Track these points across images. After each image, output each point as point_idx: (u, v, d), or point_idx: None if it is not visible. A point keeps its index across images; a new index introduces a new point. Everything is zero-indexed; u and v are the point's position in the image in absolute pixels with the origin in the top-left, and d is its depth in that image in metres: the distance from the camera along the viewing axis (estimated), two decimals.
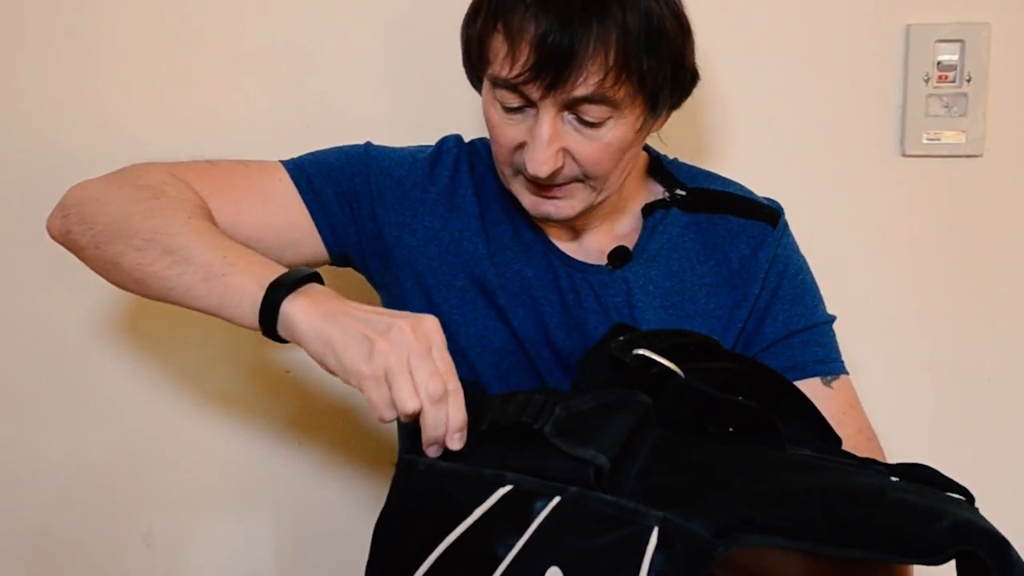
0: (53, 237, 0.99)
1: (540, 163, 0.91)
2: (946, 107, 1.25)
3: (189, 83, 1.27)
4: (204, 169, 1.02)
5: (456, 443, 0.76)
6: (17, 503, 1.32)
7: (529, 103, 0.91)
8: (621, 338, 0.83)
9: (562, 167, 0.93)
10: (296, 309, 0.81)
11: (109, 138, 1.27)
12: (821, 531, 0.64)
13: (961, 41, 1.24)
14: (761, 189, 1.09)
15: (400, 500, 0.75)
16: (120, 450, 1.32)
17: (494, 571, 0.68)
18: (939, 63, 1.24)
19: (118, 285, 0.97)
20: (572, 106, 0.90)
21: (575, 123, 0.92)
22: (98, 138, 1.27)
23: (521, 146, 0.94)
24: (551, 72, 0.87)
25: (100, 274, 0.97)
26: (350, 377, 0.78)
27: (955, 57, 1.24)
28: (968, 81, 1.24)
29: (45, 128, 1.27)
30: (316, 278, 0.86)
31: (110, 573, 1.33)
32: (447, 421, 0.76)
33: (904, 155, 1.27)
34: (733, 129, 1.29)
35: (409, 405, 0.75)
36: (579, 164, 0.93)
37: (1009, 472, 1.32)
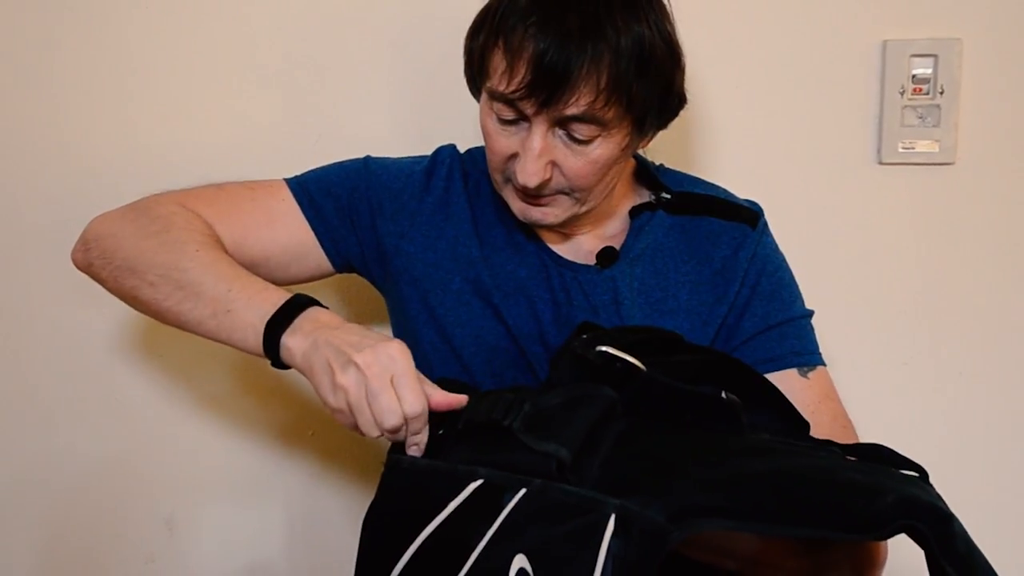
0: (77, 267, 1.03)
1: (530, 175, 0.94)
2: (920, 118, 1.28)
3: (210, 101, 1.30)
4: (212, 195, 1.05)
5: (414, 452, 0.82)
6: (49, 492, 1.35)
7: (523, 117, 0.93)
8: (584, 336, 0.84)
9: (550, 179, 0.95)
10: (292, 342, 0.86)
11: (134, 151, 1.29)
12: (772, 512, 0.66)
13: (935, 56, 1.27)
14: (745, 194, 1.12)
15: (385, 495, 0.78)
16: (145, 443, 1.35)
17: (467, 559, 0.71)
18: (914, 76, 1.27)
19: (141, 312, 1.01)
20: (563, 123, 0.92)
21: (565, 139, 0.94)
22: (124, 151, 1.30)
23: (513, 156, 0.96)
24: (545, 90, 0.89)
25: (124, 302, 1.01)
26: (324, 405, 0.84)
27: (929, 71, 1.27)
28: (941, 93, 1.27)
29: (74, 145, 1.30)
30: (313, 303, 0.89)
31: (135, 555, 1.37)
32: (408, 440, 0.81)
33: (881, 163, 1.30)
34: (720, 138, 1.31)
35: (372, 434, 0.81)
36: (566, 177, 0.96)
37: (980, 459, 1.36)
